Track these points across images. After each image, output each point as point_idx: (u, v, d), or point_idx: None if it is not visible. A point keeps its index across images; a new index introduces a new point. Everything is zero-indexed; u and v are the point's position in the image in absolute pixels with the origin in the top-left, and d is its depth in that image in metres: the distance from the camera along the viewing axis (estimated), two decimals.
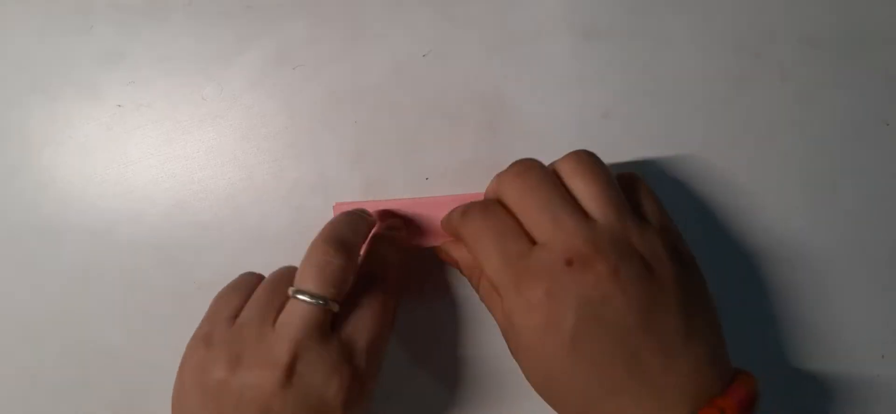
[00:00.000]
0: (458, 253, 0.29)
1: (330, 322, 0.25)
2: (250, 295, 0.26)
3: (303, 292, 0.24)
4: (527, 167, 0.26)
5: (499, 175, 0.27)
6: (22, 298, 0.33)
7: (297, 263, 0.26)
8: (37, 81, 0.33)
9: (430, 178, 0.32)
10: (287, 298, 0.25)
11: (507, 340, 0.26)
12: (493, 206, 0.27)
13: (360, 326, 0.26)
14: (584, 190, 0.25)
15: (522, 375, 0.26)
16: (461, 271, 0.29)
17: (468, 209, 0.27)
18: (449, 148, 0.32)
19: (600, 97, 0.32)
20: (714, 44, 0.32)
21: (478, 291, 0.29)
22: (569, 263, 0.24)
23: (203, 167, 0.33)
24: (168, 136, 0.33)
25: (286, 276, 0.27)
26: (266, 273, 0.28)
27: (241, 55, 0.32)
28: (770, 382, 0.33)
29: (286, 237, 0.32)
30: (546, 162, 0.32)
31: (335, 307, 0.25)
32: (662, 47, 0.32)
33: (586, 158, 0.26)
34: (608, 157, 0.32)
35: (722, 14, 0.32)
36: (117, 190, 0.33)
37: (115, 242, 0.33)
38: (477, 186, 0.32)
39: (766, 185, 0.32)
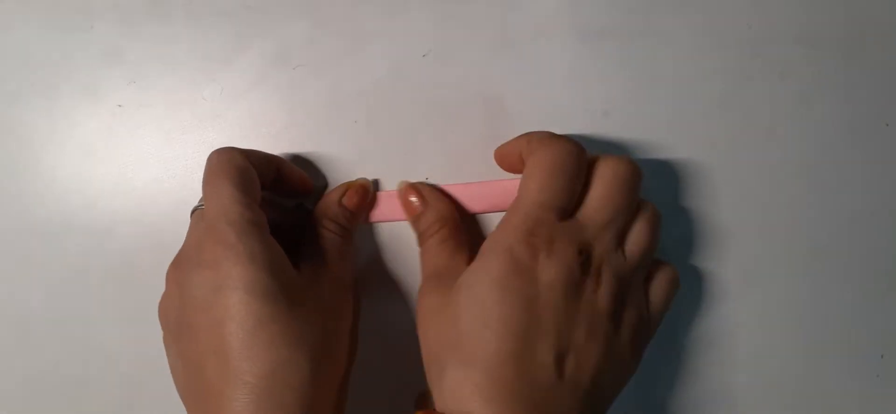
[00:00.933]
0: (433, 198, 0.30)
1: None
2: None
3: None
4: (562, 146, 0.27)
5: (537, 138, 0.28)
6: (22, 298, 0.33)
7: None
8: (37, 81, 0.33)
9: (430, 178, 0.32)
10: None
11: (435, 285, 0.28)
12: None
13: None
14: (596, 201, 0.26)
15: None
16: (415, 214, 0.31)
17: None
18: (449, 148, 0.32)
19: (600, 97, 0.32)
20: (714, 44, 0.32)
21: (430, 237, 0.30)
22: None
23: (203, 167, 0.33)
24: (168, 136, 0.33)
25: None
26: None
27: (241, 55, 0.32)
28: (770, 381, 0.33)
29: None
30: None
31: None
32: (662, 47, 0.32)
33: (624, 176, 0.27)
34: None
35: (722, 14, 0.32)
36: (117, 190, 0.33)
37: (115, 242, 0.33)
38: None
39: (766, 185, 0.32)
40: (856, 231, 0.32)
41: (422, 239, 0.30)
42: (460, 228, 0.30)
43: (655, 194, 0.32)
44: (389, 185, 0.32)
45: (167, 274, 0.27)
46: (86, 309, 0.33)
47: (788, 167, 0.32)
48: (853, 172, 0.32)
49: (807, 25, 0.32)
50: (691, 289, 0.32)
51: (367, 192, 0.31)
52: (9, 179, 0.33)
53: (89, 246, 0.33)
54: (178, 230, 0.32)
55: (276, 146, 0.32)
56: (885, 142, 0.32)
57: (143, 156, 0.33)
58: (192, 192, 0.33)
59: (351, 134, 0.32)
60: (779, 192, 0.32)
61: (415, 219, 0.30)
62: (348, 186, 0.31)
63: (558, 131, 0.32)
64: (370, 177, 0.32)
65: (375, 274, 0.33)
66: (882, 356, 0.33)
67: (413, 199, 0.30)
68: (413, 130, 0.32)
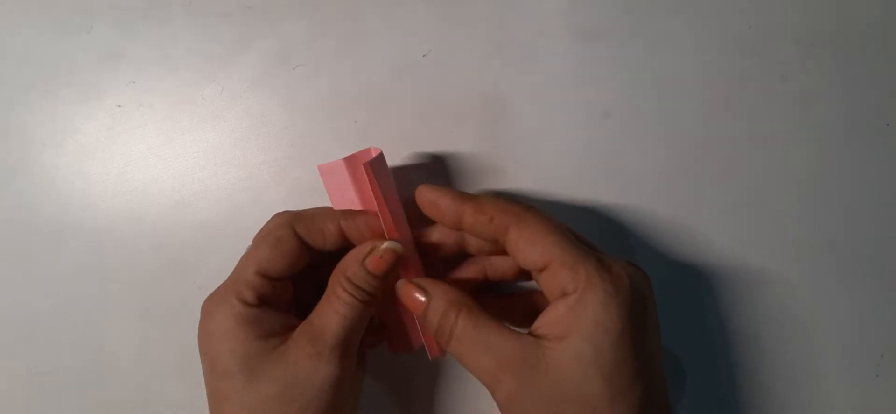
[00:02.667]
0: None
1: None
2: None
3: None
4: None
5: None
6: (22, 298, 0.33)
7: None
8: (37, 81, 0.33)
9: (430, 178, 0.32)
10: None
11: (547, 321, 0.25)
12: None
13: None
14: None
15: None
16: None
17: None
18: (449, 148, 0.32)
19: (600, 97, 0.32)
20: (714, 44, 0.32)
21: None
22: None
23: (203, 167, 0.33)
24: (168, 136, 0.33)
25: None
26: None
27: (241, 55, 0.32)
28: (770, 380, 0.33)
29: None
30: (546, 162, 0.32)
31: None
32: (662, 47, 0.32)
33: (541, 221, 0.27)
34: (608, 157, 0.32)
35: (722, 14, 0.32)
36: (117, 190, 0.33)
37: (115, 241, 0.33)
38: (477, 186, 0.32)
39: (766, 185, 0.32)
40: (856, 231, 0.32)
41: (444, 332, 0.26)
42: (474, 302, 0.27)
43: (655, 195, 0.32)
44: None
45: None
46: (86, 309, 0.33)
47: (789, 167, 0.32)
48: (853, 172, 0.32)
49: (807, 25, 0.32)
50: (691, 289, 0.32)
51: (396, 257, 0.27)
52: (9, 179, 0.33)
53: (89, 246, 0.33)
54: (177, 230, 0.33)
55: (276, 146, 0.32)
56: (886, 142, 0.32)
57: (142, 156, 0.33)
58: (192, 192, 0.33)
59: (351, 134, 0.32)
60: (779, 192, 0.32)
61: (425, 315, 0.27)
62: (373, 247, 0.27)
63: (558, 131, 0.32)
64: None
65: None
66: (882, 356, 0.33)
67: (417, 295, 0.27)
68: (413, 130, 0.32)
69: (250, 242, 0.28)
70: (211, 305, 0.26)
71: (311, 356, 0.25)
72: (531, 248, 0.25)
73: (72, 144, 0.33)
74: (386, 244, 0.27)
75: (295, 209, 0.28)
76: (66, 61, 0.32)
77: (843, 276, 0.32)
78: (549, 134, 0.32)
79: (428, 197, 0.27)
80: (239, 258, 0.27)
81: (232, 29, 0.32)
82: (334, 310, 0.26)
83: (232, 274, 0.27)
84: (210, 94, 0.32)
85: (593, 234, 0.32)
